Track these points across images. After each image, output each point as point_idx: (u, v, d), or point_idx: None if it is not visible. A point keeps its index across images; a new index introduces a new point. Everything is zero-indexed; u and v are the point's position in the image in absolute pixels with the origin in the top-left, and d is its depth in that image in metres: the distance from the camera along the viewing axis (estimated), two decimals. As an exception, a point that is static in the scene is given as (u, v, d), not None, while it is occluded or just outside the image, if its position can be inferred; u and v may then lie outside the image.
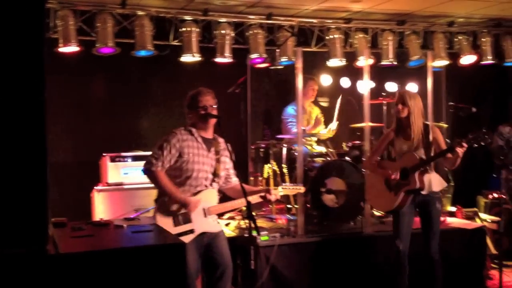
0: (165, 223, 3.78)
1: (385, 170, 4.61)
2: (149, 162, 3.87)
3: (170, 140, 3.88)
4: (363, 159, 5.68)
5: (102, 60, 6.01)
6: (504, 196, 5.46)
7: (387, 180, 4.58)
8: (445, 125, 6.45)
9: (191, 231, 3.85)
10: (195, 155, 3.90)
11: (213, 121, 3.97)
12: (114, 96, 6.46)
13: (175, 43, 6.21)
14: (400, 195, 4.52)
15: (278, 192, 4.21)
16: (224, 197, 4.16)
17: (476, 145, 4.26)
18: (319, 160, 5.96)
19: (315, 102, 6.81)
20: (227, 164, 4.09)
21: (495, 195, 6.59)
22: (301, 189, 4.49)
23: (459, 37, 7.15)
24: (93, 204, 5.62)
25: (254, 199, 4.03)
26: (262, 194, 4.07)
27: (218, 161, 4.01)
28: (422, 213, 4.59)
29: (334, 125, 6.41)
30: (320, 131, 6.50)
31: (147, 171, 3.88)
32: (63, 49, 5.70)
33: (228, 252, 4.04)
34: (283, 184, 4.50)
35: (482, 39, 7.20)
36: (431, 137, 4.57)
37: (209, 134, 4.03)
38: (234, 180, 4.16)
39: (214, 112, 3.96)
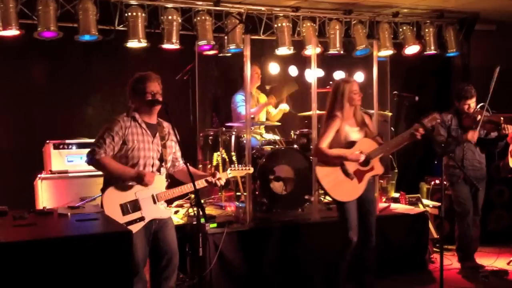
0: (113, 212, 3.71)
1: (339, 153, 4.49)
2: (92, 151, 3.80)
3: (113, 128, 3.81)
4: (311, 146, 5.74)
5: (44, 45, 5.81)
6: (445, 183, 5.64)
7: (344, 168, 4.51)
8: (390, 113, 6.61)
9: (141, 219, 3.81)
10: (140, 142, 3.85)
11: (158, 107, 3.92)
12: (58, 82, 6.27)
13: (120, 28, 6.07)
14: (365, 182, 4.54)
15: (226, 174, 4.21)
16: (173, 181, 4.12)
17: (430, 128, 4.57)
18: (267, 147, 5.99)
19: (262, 89, 6.83)
20: (173, 148, 4.06)
21: (437, 181, 6.82)
22: (250, 169, 4.50)
23: (404, 28, 7.30)
24: (37, 192, 5.46)
25: (201, 183, 4.01)
26: (208, 178, 4.05)
27: (164, 146, 3.97)
28: (365, 200, 4.62)
29: (285, 105, 6.46)
30: (270, 110, 6.55)
31: (91, 160, 3.81)
32: (2, 33, 5.48)
33: (175, 240, 4.02)
34: (232, 166, 4.49)
35: (426, 30, 7.38)
36: (367, 122, 4.68)
37: (153, 119, 3.98)
38: (181, 163, 4.13)
39: (160, 99, 3.91)
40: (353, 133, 4.59)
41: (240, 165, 4.45)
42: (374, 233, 4.65)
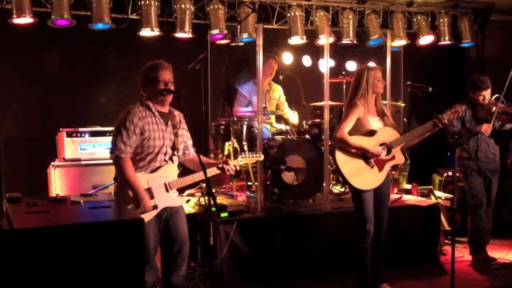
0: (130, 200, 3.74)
1: (362, 145, 4.41)
2: (118, 148, 3.77)
3: (132, 119, 3.79)
4: (323, 136, 5.71)
5: (57, 33, 5.84)
6: (458, 174, 5.60)
7: (365, 156, 4.45)
8: (403, 104, 6.57)
9: (155, 207, 3.83)
10: (155, 131, 3.86)
11: (170, 96, 3.92)
12: (71, 70, 6.30)
13: (133, 16, 6.08)
14: (385, 171, 4.49)
15: (237, 162, 4.20)
16: (184, 170, 4.13)
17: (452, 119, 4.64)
18: (279, 138, 5.98)
19: (277, 81, 6.83)
20: (184, 137, 4.07)
21: (450, 173, 6.78)
22: (261, 156, 4.48)
23: (418, 17, 7.24)
24: (50, 180, 5.50)
25: (213, 171, 4.02)
26: (220, 165, 4.05)
27: (176, 135, 3.97)
28: (381, 193, 4.54)
29: (295, 117, 6.48)
30: (284, 110, 6.57)
31: (116, 158, 3.78)
32: (17, 21, 5.51)
33: (185, 228, 4.03)
34: (242, 153, 4.47)
35: (440, 20, 7.31)
36: (386, 112, 4.63)
37: (165, 108, 3.98)
38: (192, 152, 4.14)
39: (172, 87, 3.90)
40: (374, 122, 4.51)
41: (251, 153, 4.43)
42: (385, 227, 4.60)
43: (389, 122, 4.60)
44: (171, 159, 3.96)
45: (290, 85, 6.71)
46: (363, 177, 4.44)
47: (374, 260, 4.61)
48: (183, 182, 3.98)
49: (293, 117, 6.50)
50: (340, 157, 4.45)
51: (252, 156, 4.39)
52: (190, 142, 4.10)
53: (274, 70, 6.54)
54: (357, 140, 4.43)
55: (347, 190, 5.95)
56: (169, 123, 3.97)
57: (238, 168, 4.21)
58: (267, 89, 6.60)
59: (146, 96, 3.93)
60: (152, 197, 3.84)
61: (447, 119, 4.58)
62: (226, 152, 5.98)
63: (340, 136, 4.41)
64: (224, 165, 4.03)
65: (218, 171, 4.06)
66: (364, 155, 4.44)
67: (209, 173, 3.92)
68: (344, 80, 6.30)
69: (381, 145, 4.46)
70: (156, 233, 3.87)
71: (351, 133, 4.44)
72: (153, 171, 3.87)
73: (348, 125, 4.43)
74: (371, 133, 4.48)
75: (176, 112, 4.06)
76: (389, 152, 4.48)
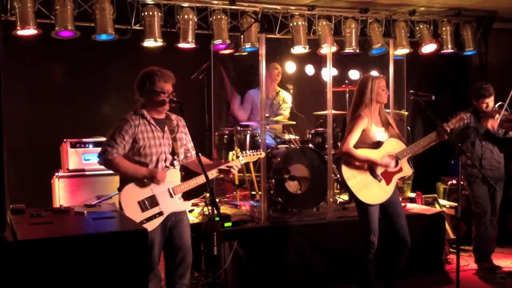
0: (132, 210, 3.75)
1: (369, 158, 4.30)
2: (104, 152, 3.81)
3: (122, 127, 3.82)
4: (326, 146, 5.70)
5: (61, 44, 5.87)
6: (462, 183, 5.58)
7: (372, 169, 4.34)
8: (406, 113, 6.56)
9: (160, 214, 3.84)
10: (150, 139, 3.86)
11: (168, 106, 3.92)
12: (74, 81, 6.32)
13: (137, 27, 6.11)
14: (393, 184, 4.37)
15: (238, 162, 4.19)
16: (189, 173, 4.12)
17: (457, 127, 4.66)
18: (282, 147, 5.98)
19: (283, 87, 6.86)
20: (184, 140, 4.06)
21: (454, 181, 6.75)
22: (262, 154, 4.46)
23: (420, 26, 7.25)
24: (54, 190, 5.51)
25: (215, 173, 4.04)
26: (221, 167, 4.05)
27: (174, 139, 3.97)
28: (392, 201, 4.42)
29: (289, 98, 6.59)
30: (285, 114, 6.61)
31: (103, 160, 3.83)
32: (21, 32, 5.54)
33: (189, 237, 4.03)
34: (243, 152, 4.45)
35: (443, 28, 7.32)
36: (390, 121, 4.55)
37: (162, 115, 3.98)
38: (193, 154, 4.14)
39: (167, 99, 3.88)
40: (379, 133, 4.40)
41: (252, 151, 4.41)
42: (408, 236, 4.44)
43: (394, 132, 4.51)
44: (172, 164, 3.95)
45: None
46: (371, 191, 4.32)
47: (395, 272, 4.48)
48: (187, 186, 3.98)
49: (288, 97, 6.51)
50: (346, 171, 4.34)
51: (253, 154, 4.36)
52: (190, 145, 4.10)
53: (280, 72, 6.57)
54: (363, 153, 4.32)
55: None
56: (166, 128, 3.96)
57: (240, 166, 4.19)
58: (273, 95, 6.63)
59: (141, 102, 3.93)
60: (157, 204, 3.84)
61: (453, 127, 4.54)
62: (230, 162, 5.97)
63: (346, 150, 4.29)
64: (227, 166, 4.02)
65: (219, 174, 4.06)
66: (371, 168, 4.34)
67: (211, 175, 3.93)
68: (347, 89, 6.30)
69: (387, 156, 4.36)
70: (161, 241, 3.88)
71: (356, 145, 4.34)
72: None
73: (354, 137, 4.31)
74: (377, 144, 4.37)
75: (173, 116, 4.05)
76: (396, 164, 4.39)
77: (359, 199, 4.32)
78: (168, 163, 3.93)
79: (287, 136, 6.34)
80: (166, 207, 3.87)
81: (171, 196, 3.91)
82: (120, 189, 3.92)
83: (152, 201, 3.84)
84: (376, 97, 4.38)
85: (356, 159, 4.31)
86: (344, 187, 4.55)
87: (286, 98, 6.73)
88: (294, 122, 6.50)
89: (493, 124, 5.29)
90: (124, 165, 3.81)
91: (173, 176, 3.95)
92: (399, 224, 4.42)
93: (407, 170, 4.47)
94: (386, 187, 4.36)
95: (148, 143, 3.84)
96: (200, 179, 3.98)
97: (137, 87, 3.95)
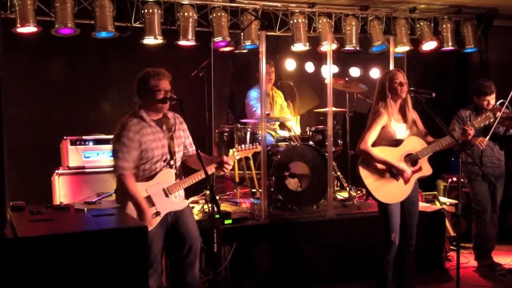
0: (129, 212, 3.75)
1: (386, 160, 4.18)
2: (121, 168, 3.78)
3: (128, 135, 3.78)
4: (327, 143, 5.70)
5: (61, 41, 5.86)
6: (462, 180, 5.58)
7: (390, 169, 4.21)
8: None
9: (157, 214, 3.84)
10: (151, 142, 3.85)
11: (167, 105, 3.91)
12: (74, 78, 6.32)
13: (136, 25, 6.10)
14: (412, 183, 4.27)
15: (233, 157, 4.17)
16: (188, 171, 4.12)
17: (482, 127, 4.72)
18: (282, 144, 5.98)
19: (278, 86, 6.83)
20: (182, 138, 4.05)
21: (454, 179, 6.75)
22: (258, 147, 4.45)
23: (421, 23, 7.24)
24: (54, 188, 5.51)
25: (213, 168, 4.03)
26: (218, 160, 4.04)
27: (171, 138, 3.96)
28: (409, 201, 4.32)
29: (296, 129, 6.47)
30: (286, 116, 6.58)
31: (120, 176, 3.80)
32: (21, 30, 5.54)
33: (194, 225, 4.04)
34: (238, 146, 4.38)
35: (443, 26, 7.31)
36: (415, 118, 4.41)
37: (159, 114, 3.97)
38: (192, 150, 4.13)
39: (167, 96, 3.87)
40: (400, 130, 4.27)
41: (246, 145, 4.39)
42: (415, 235, 4.39)
43: (417, 130, 4.36)
44: (168, 163, 3.95)
45: (287, 91, 6.71)
46: (388, 190, 4.22)
47: (402, 270, 4.42)
48: (182, 185, 3.98)
49: (296, 128, 6.51)
50: (363, 169, 4.23)
51: (248, 148, 4.33)
52: (188, 141, 4.09)
53: (271, 75, 6.55)
54: (381, 152, 4.19)
55: (351, 196, 5.95)
56: (164, 127, 3.95)
57: (235, 159, 4.16)
58: (272, 94, 6.62)
59: (140, 104, 3.92)
60: (153, 204, 3.84)
61: (477, 126, 4.46)
62: (230, 160, 5.97)
63: (364, 148, 4.16)
64: (222, 160, 4.01)
65: (216, 170, 4.06)
66: (390, 167, 4.22)
67: (210, 170, 3.93)
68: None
69: (406, 156, 4.25)
70: (160, 238, 3.88)
71: (376, 142, 4.22)
72: (149, 178, 3.88)
73: (372, 135, 4.18)
74: (397, 142, 4.24)
75: (170, 114, 4.03)
76: (415, 163, 4.28)
77: (376, 198, 4.25)
78: (165, 163, 3.93)
79: (282, 133, 6.35)
80: (162, 207, 3.87)
81: (167, 196, 3.91)
82: (116, 191, 3.95)
83: (148, 202, 3.83)
84: (392, 92, 4.25)
85: (373, 158, 4.19)
86: (362, 185, 4.47)
87: (281, 96, 6.72)
88: (293, 119, 6.50)
89: (481, 142, 5.26)
90: (131, 187, 3.78)
91: (167, 176, 3.94)
92: (411, 224, 4.37)
93: (427, 170, 4.34)
94: (404, 186, 4.25)
95: (149, 146, 3.83)
96: (195, 177, 3.99)
97: (136, 91, 3.96)
